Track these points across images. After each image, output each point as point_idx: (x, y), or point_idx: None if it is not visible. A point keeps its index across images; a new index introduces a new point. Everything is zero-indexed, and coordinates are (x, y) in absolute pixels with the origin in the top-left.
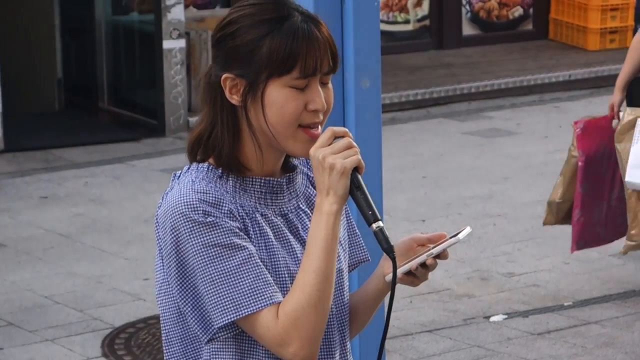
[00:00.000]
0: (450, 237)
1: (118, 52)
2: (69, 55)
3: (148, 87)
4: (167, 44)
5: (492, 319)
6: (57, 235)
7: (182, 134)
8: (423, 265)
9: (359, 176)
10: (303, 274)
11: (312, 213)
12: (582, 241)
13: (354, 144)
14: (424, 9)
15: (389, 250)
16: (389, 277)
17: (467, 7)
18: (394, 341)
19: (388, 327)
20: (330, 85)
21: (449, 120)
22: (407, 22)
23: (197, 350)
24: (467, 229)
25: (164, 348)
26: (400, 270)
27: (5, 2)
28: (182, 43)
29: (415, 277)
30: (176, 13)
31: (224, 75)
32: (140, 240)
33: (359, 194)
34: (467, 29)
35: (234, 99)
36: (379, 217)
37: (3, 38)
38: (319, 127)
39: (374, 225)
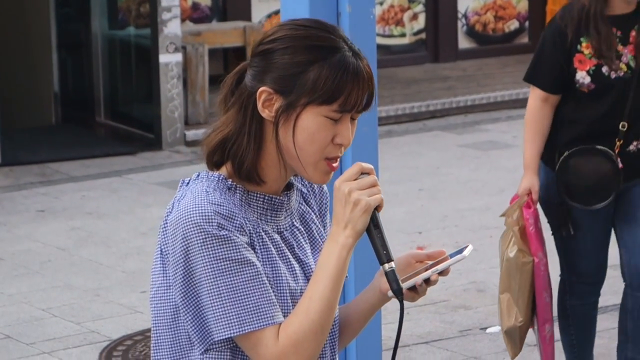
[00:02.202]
0: (453, 254)
1: (114, 66)
2: (65, 69)
3: (144, 101)
4: (163, 58)
5: (489, 330)
6: (54, 249)
7: (178, 148)
8: (426, 280)
9: (378, 215)
10: (308, 300)
11: (305, 230)
12: None
13: (378, 182)
14: (420, 22)
15: (397, 292)
16: (391, 293)
17: (463, 20)
18: (391, 352)
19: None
20: (356, 121)
21: (445, 133)
22: (403, 35)
23: (185, 358)
24: (470, 247)
25: (152, 352)
26: (404, 286)
27: (1, 16)
28: (178, 57)
29: (416, 292)
30: (172, 27)
31: (262, 88)
32: (138, 253)
33: (376, 232)
34: (463, 42)
35: (266, 113)
36: (393, 257)
37: (0, 52)
38: (338, 160)
39: (387, 266)
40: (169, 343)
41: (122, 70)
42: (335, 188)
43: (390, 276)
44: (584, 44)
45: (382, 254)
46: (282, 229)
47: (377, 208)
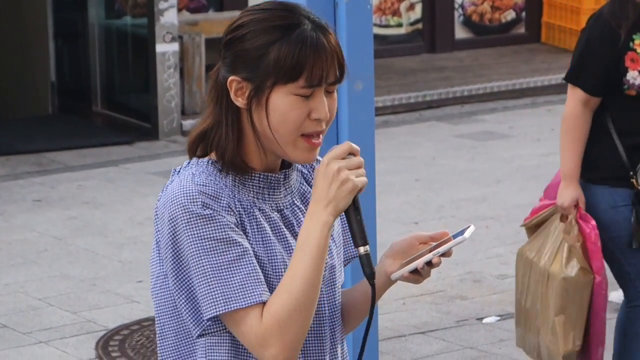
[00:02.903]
0: (455, 235)
1: (111, 55)
2: (62, 58)
3: (141, 91)
4: (160, 48)
5: (485, 320)
6: (50, 238)
7: (175, 137)
8: (428, 263)
9: (359, 198)
10: (291, 278)
11: (306, 209)
12: None
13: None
14: (417, 12)
15: (370, 276)
16: (395, 275)
17: (460, 10)
18: (387, 343)
19: (366, 341)
20: (335, 94)
21: (441, 124)
22: (399, 25)
23: (191, 345)
24: (472, 227)
25: (158, 342)
26: (407, 269)
27: None
28: (175, 47)
29: (419, 275)
30: (169, 17)
31: (231, 78)
32: (134, 242)
33: (356, 214)
34: (460, 33)
35: (239, 101)
36: (368, 241)
37: None
38: (320, 136)
39: (362, 249)
40: (174, 332)
41: (118, 59)
42: (323, 164)
43: (364, 260)
44: (636, 42)
45: (359, 237)
46: (282, 207)
47: (360, 190)
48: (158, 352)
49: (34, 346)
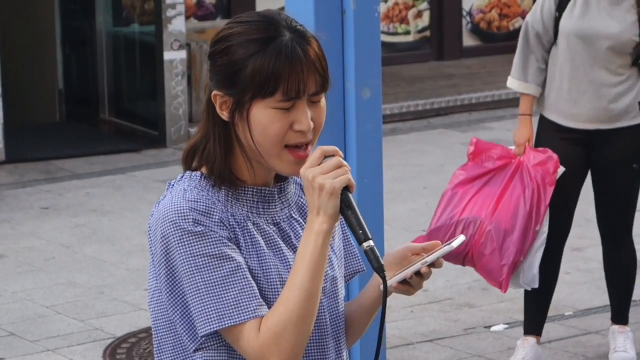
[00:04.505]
0: (444, 246)
1: (119, 63)
2: (70, 66)
3: (149, 98)
4: (167, 55)
5: (493, 328)
6: (58, 246)
7: (183, 145)
8: (417, 273)
9: (350, 195)
10: (288, 290)
11: (304, 222)
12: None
13: (344, 162)
14: (425, 20)
15: (379, 269)
16: (392, 279)
17: (468, 18)
18: (395, 350)
19: (381, 342)
20: (321, 103)
21: (449, 131)
22: (407, 33)
23: (188, 359)
24: (461, 237)
25: (155, 356)
26: (394, 279)
27: (6, 13)
28: (182, 54)
29: (410, 285)
30: (177, 24)
31: (214, 92)
32: (142, 250)
33: (350, 213)
34: (468, 40)
35: (224, 115)
36: (370, 236)
37: (4, 49)
38: (308, 146)
39: (365, 245)
40: (171, 346)
41: (126, 67)
42: (301, 175)
43: (370, 254)
44: None
45: (359, 234)
46: (278, 220)
47: (349, 189)
48: None
49: (42, 354)
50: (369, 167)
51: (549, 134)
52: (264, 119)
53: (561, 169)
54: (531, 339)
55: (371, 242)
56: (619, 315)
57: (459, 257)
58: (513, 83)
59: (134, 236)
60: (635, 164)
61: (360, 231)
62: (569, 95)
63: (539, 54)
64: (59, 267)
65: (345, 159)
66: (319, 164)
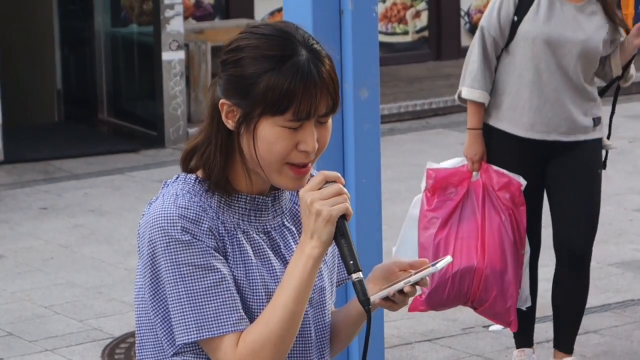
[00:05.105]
0: (430, 266)
1: (117, 63)
2: (68, 66)
3: (147, 99)
4: (166, 56)
5: (491, 328)
6: (56, 246)
7: (181, 145)
8: (401, 292)
9: (346, 224)
10: (271, 308)
11: (296, 230)
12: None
13: (345, 190)
14: (423, 20)
15: (364, 302)
16: (375, 296)
17: (466, 18)
18: (394, 350)
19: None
20: (328, 123)
21: (447, 131)
22: (405, 33)
23: (168, 359)
24: (448, 258)
25: (137, 353)
26: (378, 295)
27: (5, 14)
28: (181, 55)
29: (394, 302)
30: (175, 25)
31: (222, 101)
32: None
33: (343, 242)
34: (466, 40)
35: (229, 124)
36: (360, 267)
37: (3, 50)
38: (309, 165)
39: (354, 276)
40: (152, 344)
41: (125, 67)
42: (300, 197)
43: (357, 287)
44: None
45: (350, 264)
46: (269, 229)
47: (346, 217)
48: None
49: (40, 354)
50: (367, 167)
51: (501, 145)
52: (269, 136)
53: (523, 183)
54: (527, 350)
55: (360, 275)
56: (565, 342)
57: (459, 302)
58: (473, 93)
59: (133, 236)
60: (597, 174)
61: (351, 262)
62: (529, 103)
63: (495, 61)
64: (58, 268)
65: (343, 159)
66: (319, 189)
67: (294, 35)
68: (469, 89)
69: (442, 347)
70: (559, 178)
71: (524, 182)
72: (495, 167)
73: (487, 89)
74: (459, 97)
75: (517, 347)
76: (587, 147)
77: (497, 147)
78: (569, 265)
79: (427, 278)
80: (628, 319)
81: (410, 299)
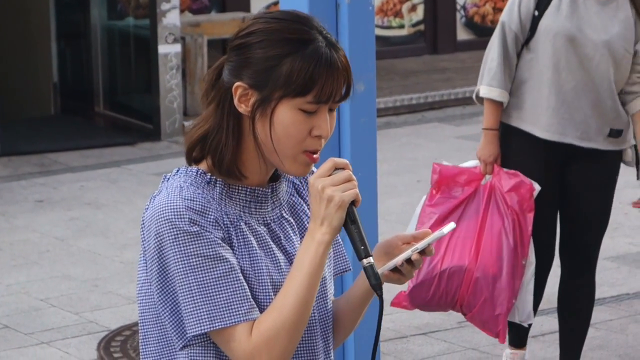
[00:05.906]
0: (435, 232)
1: (114, 56)
2: (64, 59)
3: (143, 92)
4: (162, 49)
5: None
6: (52, 239)
7: (177, 138)
8: (408, 261)
9: (355, 210)
10: (283, 296)
11: (295, 222)
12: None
13: (354, 177)
14: (419, 14)
15: (376, 287)
16: (384, 268)
17: (462, 12)
18: (389, 343)
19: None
20: (335, 112)
21: (443, 125)
22: (401, 27)
23: (173, 353)
24: (451, 224)
25: (141, 347)
26: (386, 267)
27: (0, 7)
28: (177, 48)
29: (401, 274)
30: (171, 18)
31: (237, 84)
32: (136, 243)
33: (354, 227)
34: (462, 34)
35: (242, 108)
36: (370, 252)
37: None
38: (319, 152)
39: (365, 261)
40: (156, 339)
41: (121, 60)
42: (310, 184)
43: (369, 271)
44: None
45: (360, 249)
46: (269, 221)
47: (355, 203)
48: (141, 357)
49: (36, 347)
50: (363, 161)
51: (522, 148)
52: (288, 119)
53: (537, 189)
54: (520, 352)
55: (371, 259)
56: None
57: (446, 306)
58: (492, 92)
59: (129, 229)
60: (611, 188)
61: (362, 247)
62: (547, 102)
63: (515, 58)
64: (54, 260)
65: (339, 152)
66: (329, 175)
67: (312, 22)
68: (488, 87)
69: (437, 341)
70: (572, 187)
71: (537, 187)
72: (507, 169)
73: (506, 87)
74: (477, 97)
75: (510, 345)
76: (604, 160)
77: (518, 149)
78: (574, 273)
79: (432, 247)
80: (623, 312)
81: (405, 294)
